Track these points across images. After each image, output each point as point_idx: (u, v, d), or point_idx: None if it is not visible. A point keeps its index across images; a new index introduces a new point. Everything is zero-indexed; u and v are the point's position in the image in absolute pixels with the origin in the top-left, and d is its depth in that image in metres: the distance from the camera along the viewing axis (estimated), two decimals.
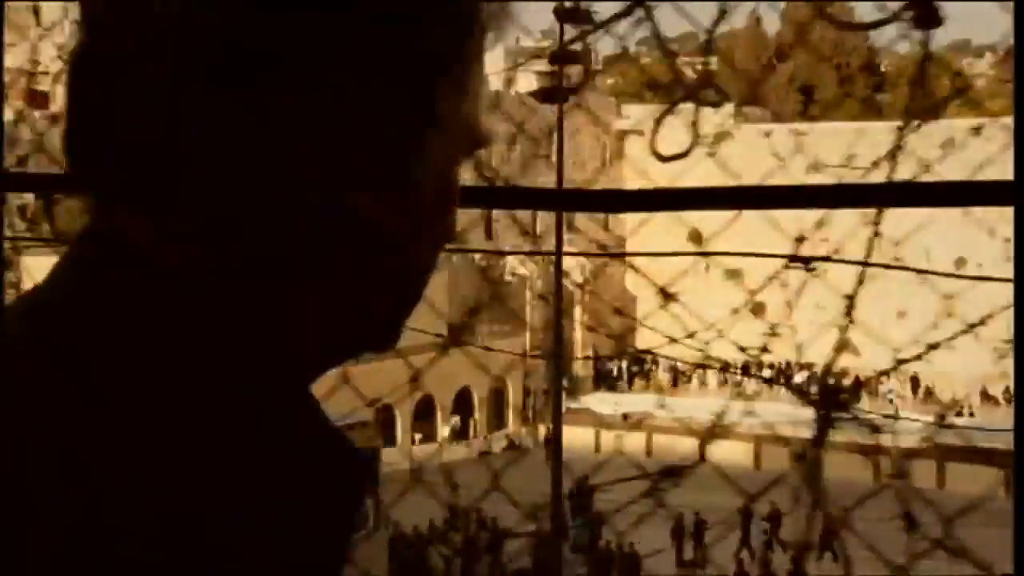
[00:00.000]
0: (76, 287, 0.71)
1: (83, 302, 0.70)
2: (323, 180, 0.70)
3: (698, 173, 2.83)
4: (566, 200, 2.47)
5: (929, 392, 44.52)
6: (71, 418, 0.66)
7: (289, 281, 0.71)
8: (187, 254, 0.70)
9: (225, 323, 0.70)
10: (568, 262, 34.50)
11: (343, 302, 0.73)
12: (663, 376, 47.71)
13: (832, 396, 3.12)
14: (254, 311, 0.71)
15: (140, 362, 0.68)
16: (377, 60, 0.70)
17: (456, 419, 40.79)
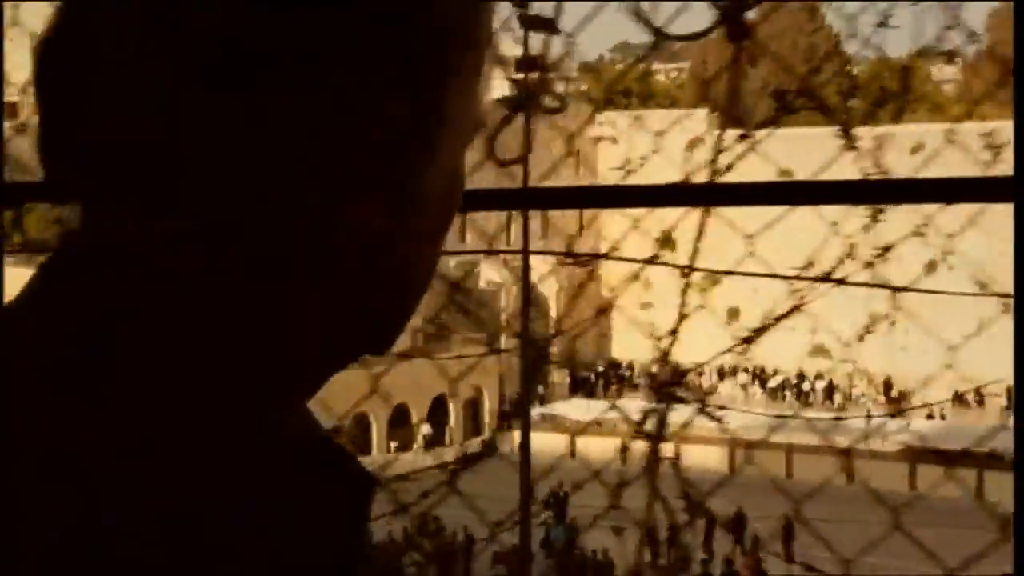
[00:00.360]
0: (71, 288, 0.70)
1: (81, 303, 0.69)
2: (324, 180, 0.69)
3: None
4: (529, 198, 2.50)
5: (903, 395, 44.96)
6: (70, 420, 0.65)
7: (289, 281, 0.70)
8: (186, 254, 0.69)
9: (225, 323, 0.70)
10: (543, 269, 34.56)
11: (343, 303, 0.72)
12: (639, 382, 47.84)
13: (664, 388, 3.22)
14: (254, 311, 0.70)
15: (139, 363, 0.67)
16: (379, 60, 0.69)
17: (427, 427, 40.76)
